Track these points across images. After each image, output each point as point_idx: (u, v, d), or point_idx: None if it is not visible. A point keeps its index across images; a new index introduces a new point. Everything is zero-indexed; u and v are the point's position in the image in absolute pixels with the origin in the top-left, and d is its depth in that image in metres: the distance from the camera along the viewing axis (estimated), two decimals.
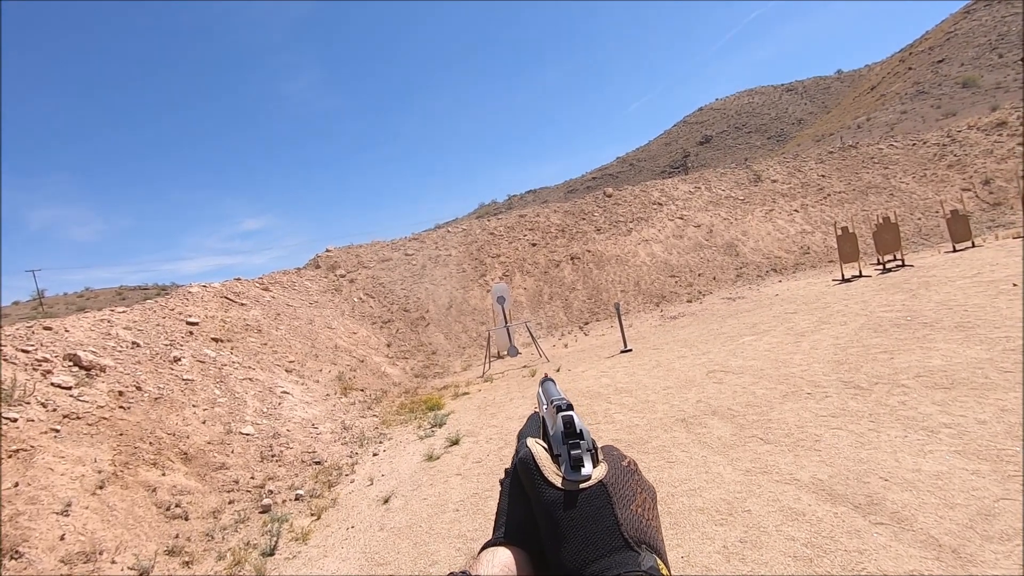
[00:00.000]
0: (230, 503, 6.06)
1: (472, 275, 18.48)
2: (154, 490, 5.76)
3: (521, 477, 0.52)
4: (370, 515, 5.31)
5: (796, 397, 5.69)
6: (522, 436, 0.60)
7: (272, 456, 7.24)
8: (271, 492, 6.32)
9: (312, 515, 5.64)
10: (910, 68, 54.41)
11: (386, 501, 5.54)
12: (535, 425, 0.63)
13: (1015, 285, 8.00)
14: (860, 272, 13.05)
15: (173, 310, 10.86)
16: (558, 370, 10.26)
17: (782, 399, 5.74)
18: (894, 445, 4.14)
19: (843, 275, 13.08)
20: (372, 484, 6.18)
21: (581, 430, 0.51)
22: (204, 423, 7.38)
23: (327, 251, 19.64)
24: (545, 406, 0.63)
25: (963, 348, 5.86)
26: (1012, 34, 47.48)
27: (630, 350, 10.58)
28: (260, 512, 5.87)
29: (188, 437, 6.88)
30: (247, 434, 7.53)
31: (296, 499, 6.17)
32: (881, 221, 13.59)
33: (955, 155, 20.23)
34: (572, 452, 0.49)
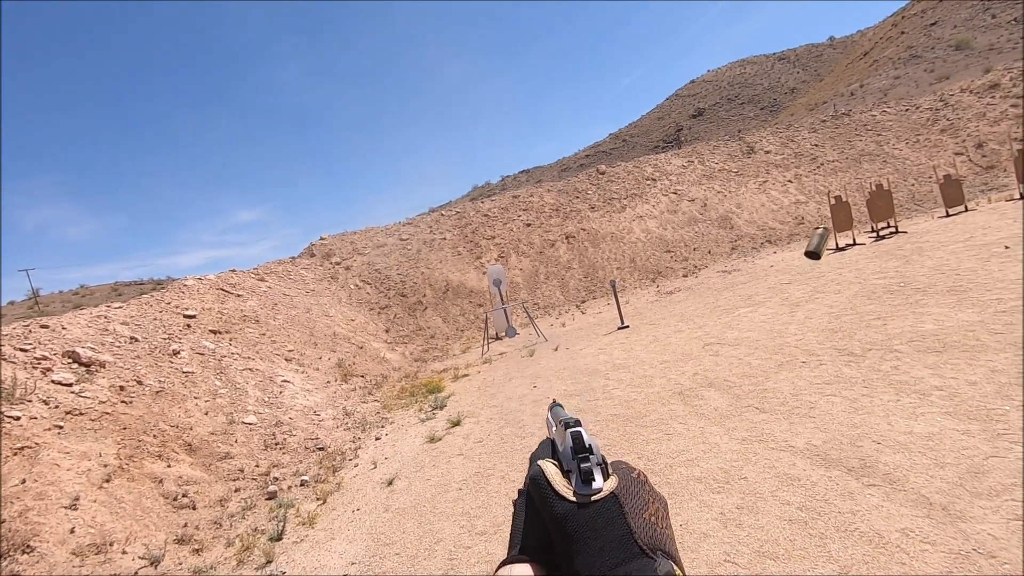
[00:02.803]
0: (236, 491, 6.14)
1: (468, 258, 18.47)
2: (160, 481, 5.83)
3: (533, 495, 0.53)
4: (375, 497, 5.39)
5: (791, 366, 5.76)
6: (534, 459, 0.61)
7: (275, 444, 7.31)
8: (276, 479, 6.40)
9: (318, 500, 5.72)
10: (903, 32, 53.81)
11: (390, 483, 5.63)
12: (546, 448, 0.64)
13: (1007, 248, 8.05)
14: (854, 240, 13.08)
15: (170, 304, 10.86)
16: (556, 349, 10.33)
17: (777, 368, 5.80)
18: (887, 409, 4.21)
19: (837, 244, 13.11)
20: (376, 467, 6.26)
21: (590, 444, 0.52)
22: (206, 414, 7.43)
23: (321, 239, 19.57)
24: (555, 427, 0.64)
25: (955, 312, 5.91)
26: None
27: (627, 326, 10.65)
28: (266, 499, 5.96)
29: (191, 428, 6.94)
30: (250, 423, 7.59)
31: (301, 485, 6.25)
32: (874, 188, 13.59)
33: (948, 119, 20.15)
34: (582, 466, 0.50)
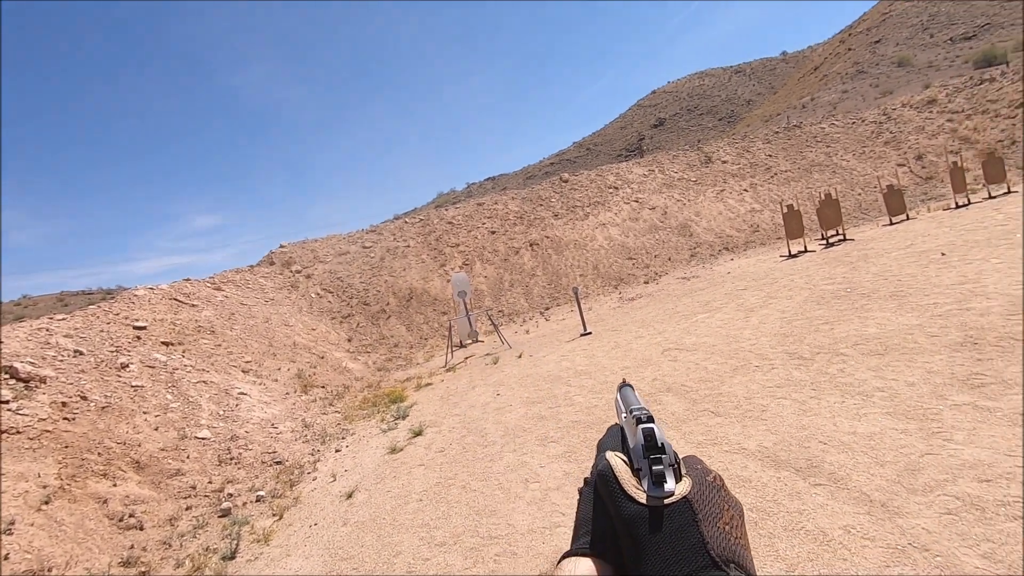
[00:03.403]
0: (187, 509, 5.91)
1: (432, 265, 18.36)
2: (105, 501, 5.56)
3: (600, 490, 0.50)
4: (333, 511, 5.28)
5: (745, 370, 5.94)
6: (601, 447, 0.58)
7: (230, 459, 7.08)
8: (231, 495, 6.19)
9: (274, 515, 5.56)
10: (850, 49, 56.46)
11: (349, 496, 5.52)
12: (614, 437, 0.59)
13: (943, 255, 8.51)
14: (805, 247, 13.60)
15: (118, 315, 10.41)
16: (520, 356, 10.36)
17: (732, 373, 5.97)
18: (833, 411, 4.38)
19: (790, 251, 13.61)
20: (335, 480, 6.14)
21: (663, 443, 0.49)
22: (156, 430, 7.15)
23: (281, 247, 19.13)
24: (624, 415, 0.60)
25: (896, 316, 6.21)
26: (941, 14, 49.82)
27: (590, 333, 10.77)
28: (220, 516, 5.76)
29: (140, 445, 6.66)
30: (203, 438, 7.34)
31: (257, 500, 6.07)
32: (824, 198, 14.17)
33: (891, 132, 21.21)
34: (654, 468, 0.47)
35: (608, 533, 0.49)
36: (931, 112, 21.39)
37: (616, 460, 0.51)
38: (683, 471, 0.49)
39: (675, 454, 0.49)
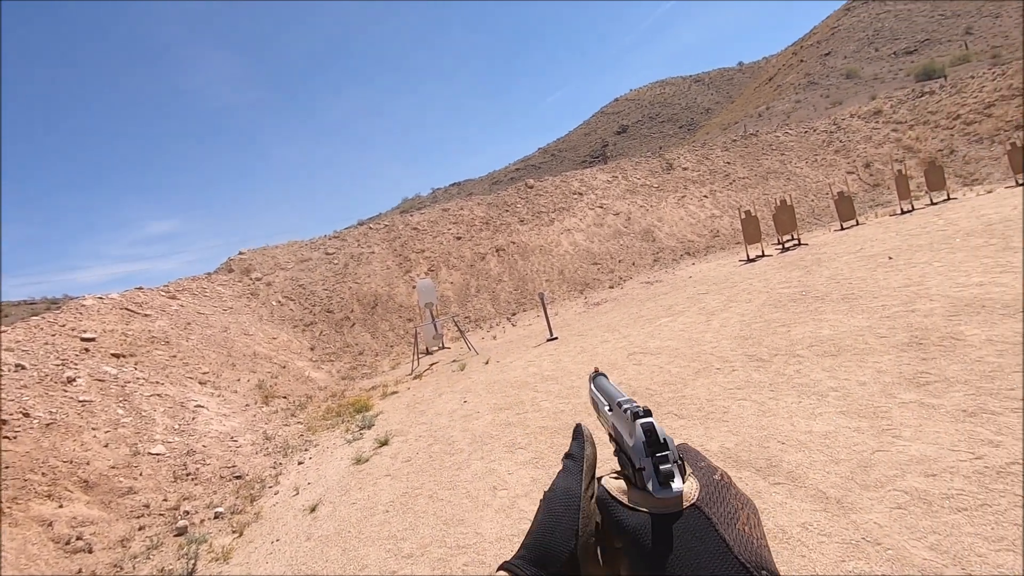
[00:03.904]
0: (140, 529, 5.66)
1: (397, 272, 18.16)
2: (50, 524, 5.27)
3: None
4: (296, 526, 5.14)
5: (707, 373, 6.07)
6: (554, 494, 0.49)
7: (187, 475, 6.81)
8: (187, 513, 5.96)
9: (234, 532, 5.38)
10: (802, 60, 58.76)
11: (313, 510, 5.39)
12: (575, 480, 0.50)
13: (890, 259, 8.92)
14: (763, 252, 14.04)
15: (64, 326, 9.92)
16: (487, 362, 10.33)
17: (694, 376, 6.10)
18: (790, 411, 4.52)
19: (748, 255, 14.02)
20: (298, 494, 5.98)
21: (665, 439, 0.46)
22: (106, 446, 6.82)
23: (240, 254, 18.60)
24: (607, 408, 0.55)
25: (848, 318, 6.47)
26: (885, 30, 52.41)
27: (556, 338, 10.83)
28: (175, 535, 5.53)
29: (88, 463, 6.34)
30: (157, 454, 7.04)
31: (216, 517, 5.86)
32: (779, 204, 14.67)
33: (840, 141, 22.14)
34: (661, 467, 0.44)
35: (557, 548, 0.44)
36: (877, 122, 22.44)
37: (610, 482, 0.48)
38: (687, 469, 0.46)
39: (676, 450, 0.46)
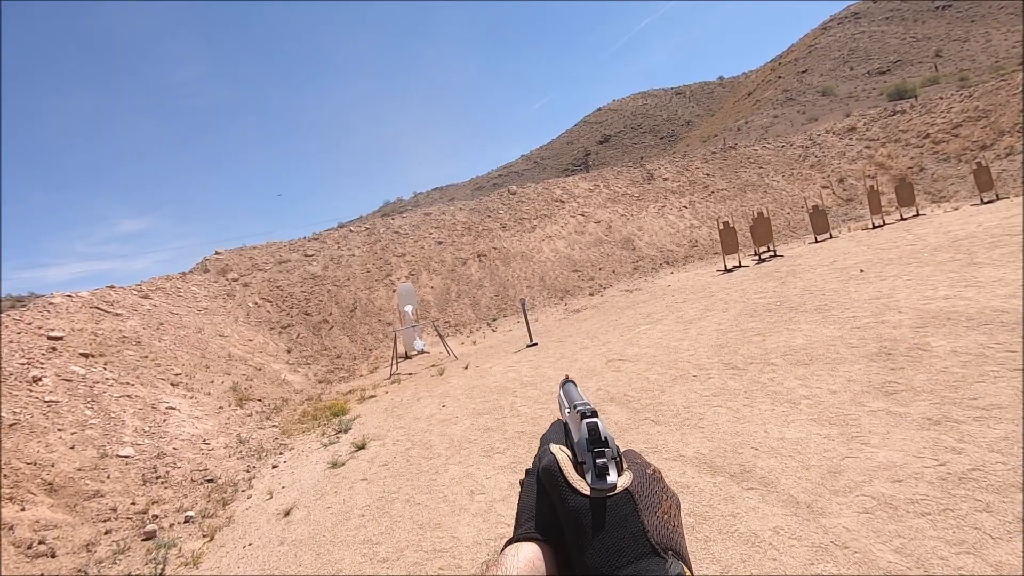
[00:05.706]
0: (107, 533, 5.50)
1: (377, 275, 18.04)
2: (11, 528, 5.10)
3: (544, 482, 0.52)
4: (269, 530, 5.06)
5: (684, 380, 6.16)
6: (545, 441, 0.58)
7: (156, 478, 6.65)
8: (156, 517, 5.82)
9: (205, 536, 5.27)
10: (780, 76, 60.20)
11: (287, 514, 5.31)
12: (557, 431, 0.60)
13: (861, 271, 9.16)
14: (740, 262, 14.30)
15: (31, 324, 9.62)
16: (466, 367, 10.31)
17: (672, 383, 6.18)
18: (764, 418, 4.61)
19: (726, 266, 14.27)
20: (272, 498, 5.88)
21: (606, 437, 0.50)
22: (73, 448, 6.63)
23: (216, 254, 18.29)
24: (567, 410, 0.61)
25: (820, 328, 6.63)
26: (860, 50, 54.01)
27: (536, 344, 10.87)
28: (144, 539, 5.39)
29: (53, 465, 6.15)
30: (126, 456, 6.86)
31: (186, 521, 5.73)
32: (756, 216, 14.98)
33: (816, 156, 22.70)
34: (597, 460, 0.48)
35: (551, 519, 0.50)
36: (851, 139, 23.08)
37: (560, 453, 0.52)
38: (624, 464, 0.50)
39: (617, 448, 0.50)
